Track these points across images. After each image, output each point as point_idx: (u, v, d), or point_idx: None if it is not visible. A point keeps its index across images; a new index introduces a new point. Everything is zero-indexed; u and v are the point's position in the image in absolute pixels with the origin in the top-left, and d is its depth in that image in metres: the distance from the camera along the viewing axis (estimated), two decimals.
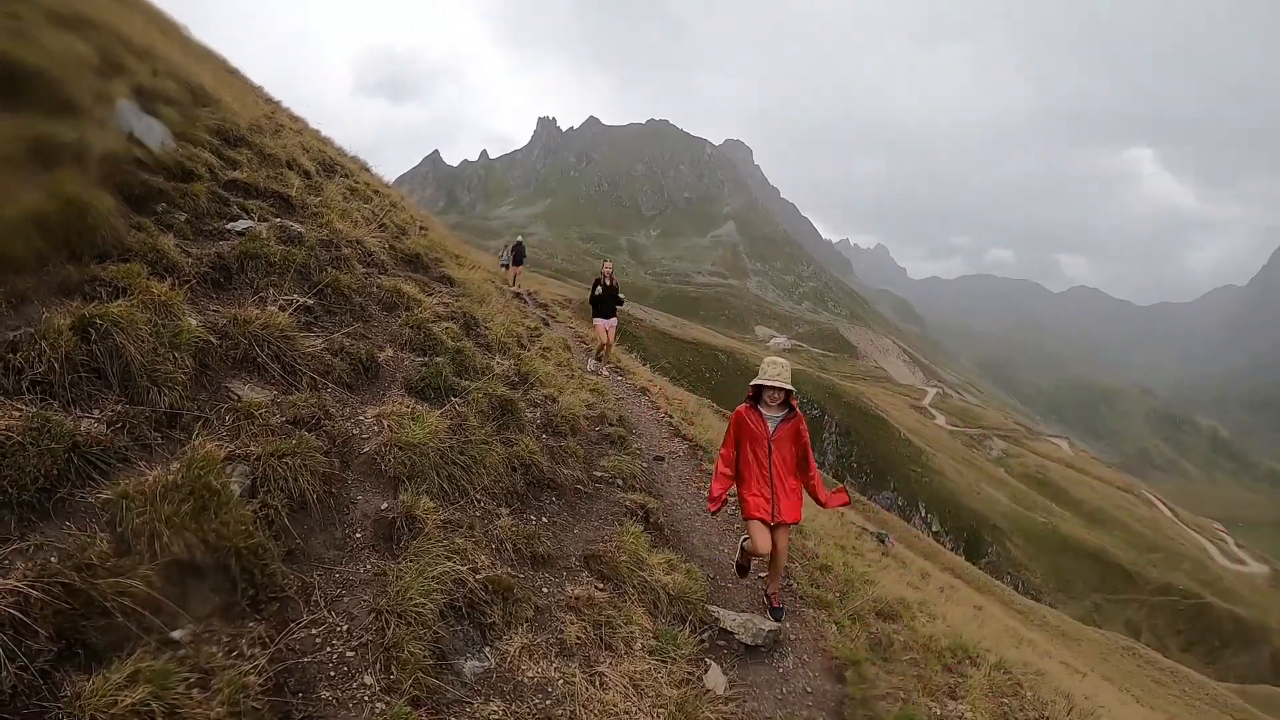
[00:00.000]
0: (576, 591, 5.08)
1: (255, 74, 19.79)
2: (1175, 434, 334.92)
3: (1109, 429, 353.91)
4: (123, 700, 2.41)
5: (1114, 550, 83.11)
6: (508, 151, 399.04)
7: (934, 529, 71.31)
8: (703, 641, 5.54)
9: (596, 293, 15.50)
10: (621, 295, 15.75)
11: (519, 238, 30.31)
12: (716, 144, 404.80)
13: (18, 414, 3.08)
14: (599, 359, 15.83)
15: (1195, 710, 39.47)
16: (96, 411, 3.50)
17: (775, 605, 6.58)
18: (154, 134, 6.56)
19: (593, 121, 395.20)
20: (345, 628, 3.59)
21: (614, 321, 15.74)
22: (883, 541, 19.34)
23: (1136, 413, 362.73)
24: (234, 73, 17.43)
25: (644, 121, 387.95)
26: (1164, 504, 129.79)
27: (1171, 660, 52.67)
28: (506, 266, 28.07)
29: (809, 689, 5.71)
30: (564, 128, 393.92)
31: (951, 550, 58.47)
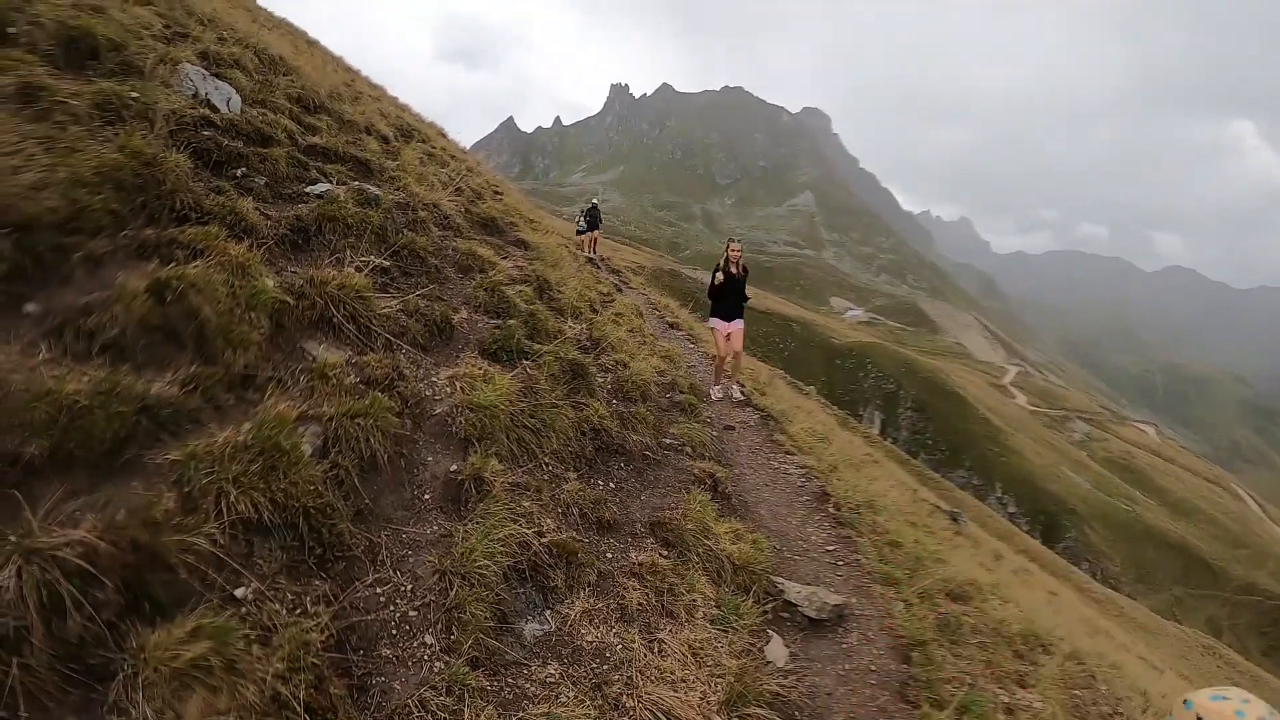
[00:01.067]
0: (640, 558, 5.08)
1: (336, 44, 20.23)
2: (1269, 426, 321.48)
3: (1198, 417, 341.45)
4: (184, 654, 2.47)
5: (1198, 543, 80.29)
6: (581, 118, 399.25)
7: (1010, 510, 69.81)
8: (765, 613, 5.49)
9: (716, 281, 11.54)
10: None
11: (594, 201, 29.08)
12: (793, 112, 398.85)
13: (86, 378, 3.12)
14: (724, 378, 12.04)
15: None
16: (169, 374, 3.53)
17: None
18: (221, 94, 6.67)
19: (666, 88, 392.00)
20: (409, 587, 3.63)
21: (739, 325, 11.59)
22: (956, 520, 18.98)
23: (1228, 401, 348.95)
24: (314, 43, 17.75)
25: (718, 89, 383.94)
26: (1253, 498, 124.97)
27: (1252, 664, 50.88)
28: (582, 233, 26.84)
29: (873, 667, 5.61)
30: (637, 95, 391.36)
31: (1027, 533, 57.22)
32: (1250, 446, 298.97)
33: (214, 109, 6.45)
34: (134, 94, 5.30)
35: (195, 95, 6.37)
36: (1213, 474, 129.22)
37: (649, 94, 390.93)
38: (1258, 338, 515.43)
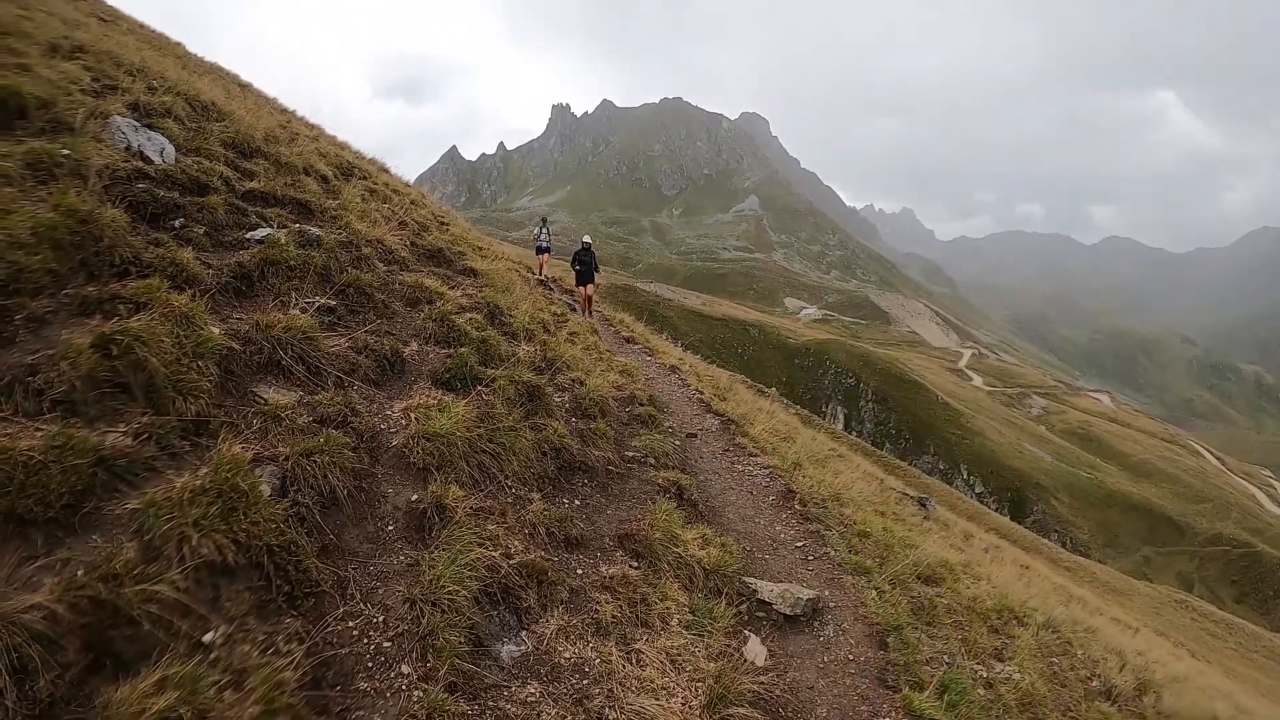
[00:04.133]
0: (611, 571, 5.12)
1: (273, 87, 20.09)
2: (1219, 382, 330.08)
3: (1150, 380, 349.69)
4: (150, 708, 2.45)
5: (1161, 502, 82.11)
6: (525, 142, 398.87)
7: (977, 491, 70.89)
8: (740, 613, 5.57)
9: None
10: None
11: (585, 240, 21.35)
12: (732, 118, 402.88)
13: (39, 434, 3.12)
14: None
15: (1254, 664, 38.99)
16: (122, 425, 3.53)
17: None
18: (154, 145, 6.63)
19: (606, 105, 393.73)
20: (381, 619, 3.63)
21: None
22: (924, 505, 19.16)
23: (1177, 362, 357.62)
24: (246, 87, 17.61)
25: (657, 101, 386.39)
26: (1210, 453, 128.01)
27: (1226, 612, 51.94)
28: (580, 276, 20.77)
29: (850, 656, 5.71)
30: (578, 113, 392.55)
31: (995, 511, 58.04)
32: (1202, 403, 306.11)
33: (148, 160, 6.40)
34: (65, 151, 5.28)
35: (128, 148, 6.33)
36: (1169, 433, 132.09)
37: (590, 111, 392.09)
38: (1199, 298, 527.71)
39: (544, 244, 24.37)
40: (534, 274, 21.59)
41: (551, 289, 20.70)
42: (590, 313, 19.51)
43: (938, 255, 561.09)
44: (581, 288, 20.22)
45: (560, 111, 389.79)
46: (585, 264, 20.28)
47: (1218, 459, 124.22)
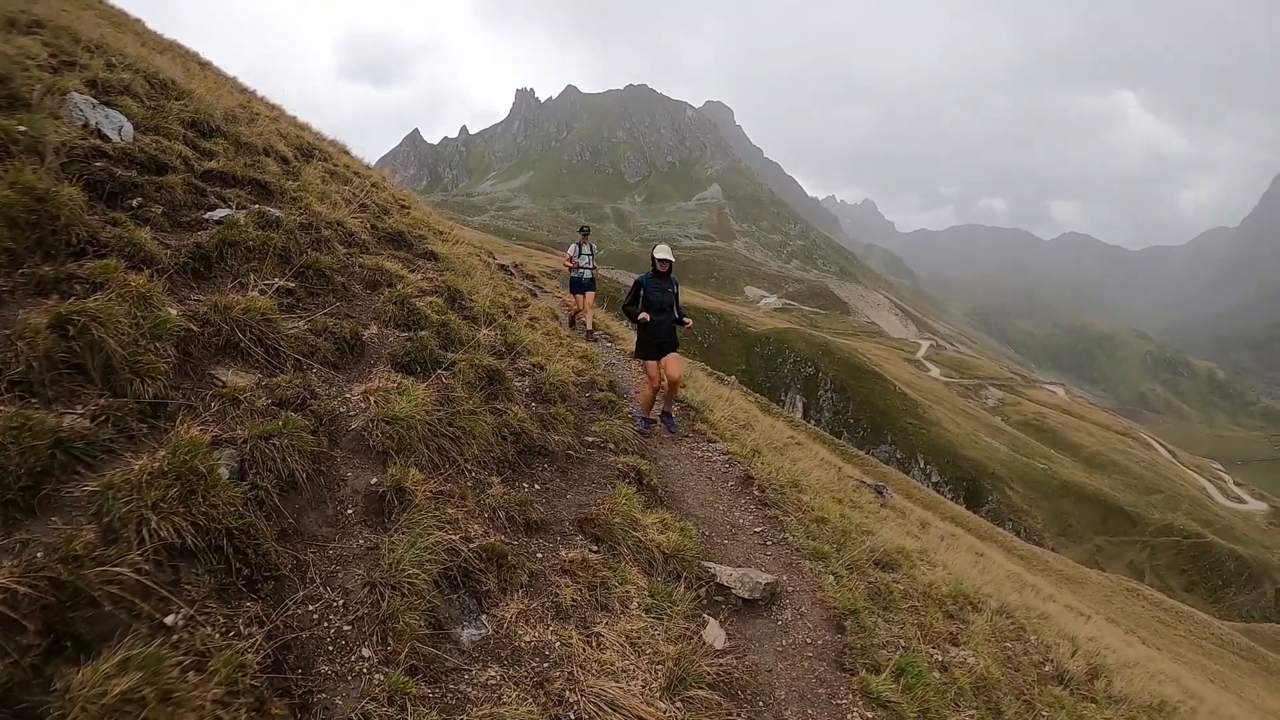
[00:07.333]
0: (571, 555, 5.15)
1: (237, 67, 19.80)
2: (1171, 376, 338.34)
3: (1105, 374, 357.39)
4: (113, 689, 2.43)
5: (1114, 493, 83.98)
6: (488, 126, 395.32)
7: (933, 479, 71.97)
8: (699, 597, 5.63)
9: None
10: None
11: (664, 254, 10.21)
12: (697, 106, 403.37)
13: None
14: None
15: (1202, 650, 39.98)
16: (79, 407, 3.50)
17: None
18: (112, 123, 6.54)
19: (571, 90, 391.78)
20: (341, 602, 3.64)
21: None
22: (881, 493, 19.37)
23: (1132, 357, 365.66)
24: (206, 65, 17.31)
25: (622, 87, 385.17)
26: (1162, 445, 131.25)
27: (1176, 601, 53.23)
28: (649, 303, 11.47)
29: (808, 640, 5.79)
30: (542, 98, 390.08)
31: (951, 500, 58.88)
32: (1156, 397, 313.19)
33: (105, 138, 6.31)
34: (21, 127, 5.19)
35: (85, 125, 6.24)
36: (1122, 426, 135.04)
37: (554, 96, 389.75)
38: (1155, 295, 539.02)
39: (587, 272, 16.57)
40: (570, 321, 16.29)
41: (512, 273, 19.68)
42: (673, 423, 10.20)
43: (898, 247, 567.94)
44: (656, 364, 9.58)
45: (524, 96, 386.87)
46: (664, 312, 9.77)
47: (1169, 452, 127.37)
